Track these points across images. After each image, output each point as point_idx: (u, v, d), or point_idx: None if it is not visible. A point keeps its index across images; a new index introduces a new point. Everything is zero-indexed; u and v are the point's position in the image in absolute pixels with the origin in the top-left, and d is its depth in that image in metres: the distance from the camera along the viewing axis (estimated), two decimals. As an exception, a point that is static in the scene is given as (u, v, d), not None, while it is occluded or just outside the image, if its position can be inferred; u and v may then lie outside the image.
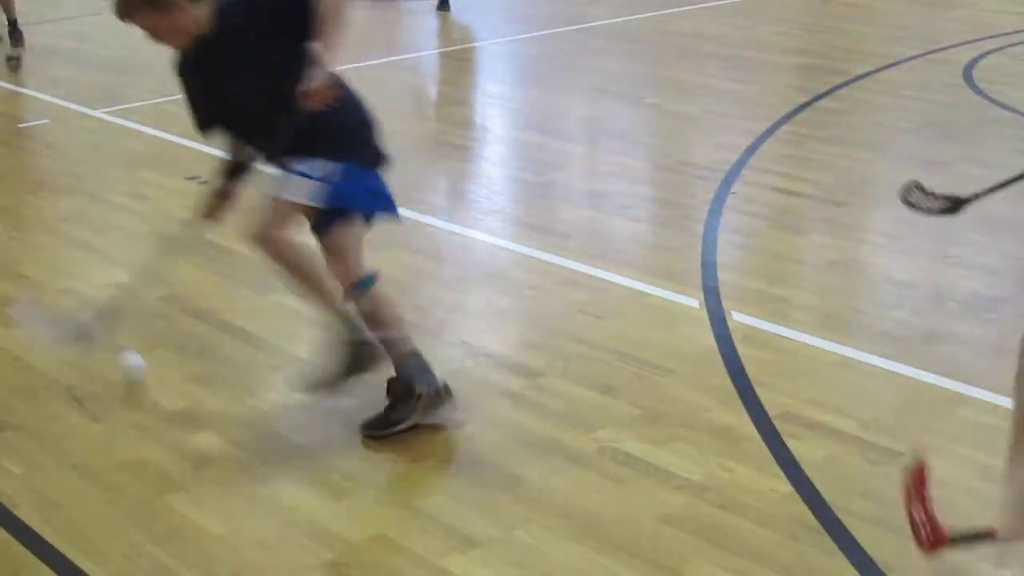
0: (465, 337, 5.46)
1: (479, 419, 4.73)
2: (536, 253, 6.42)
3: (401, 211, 6.78)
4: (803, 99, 9.30)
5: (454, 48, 11.58)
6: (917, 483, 3.69)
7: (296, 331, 5.44)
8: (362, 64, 10.55)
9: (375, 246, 6.41)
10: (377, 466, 4.45)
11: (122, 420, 4.79)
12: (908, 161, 7.87)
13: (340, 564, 3.84)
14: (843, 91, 9.53)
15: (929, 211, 5.30)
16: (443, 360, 5.13)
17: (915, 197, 5.54)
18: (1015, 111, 8.90)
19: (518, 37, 12.05)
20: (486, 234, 6.72)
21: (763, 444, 4.49)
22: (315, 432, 4.67)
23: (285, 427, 4.74)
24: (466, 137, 8.83)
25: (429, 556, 3.87)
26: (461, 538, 3.95)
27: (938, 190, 6.82)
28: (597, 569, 3.78)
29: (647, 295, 5.88)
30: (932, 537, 3.57)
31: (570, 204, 7.26)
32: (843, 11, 12.60)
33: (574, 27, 12.02)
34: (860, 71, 10.09)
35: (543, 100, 9.66)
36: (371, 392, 4.72)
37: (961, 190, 7.18)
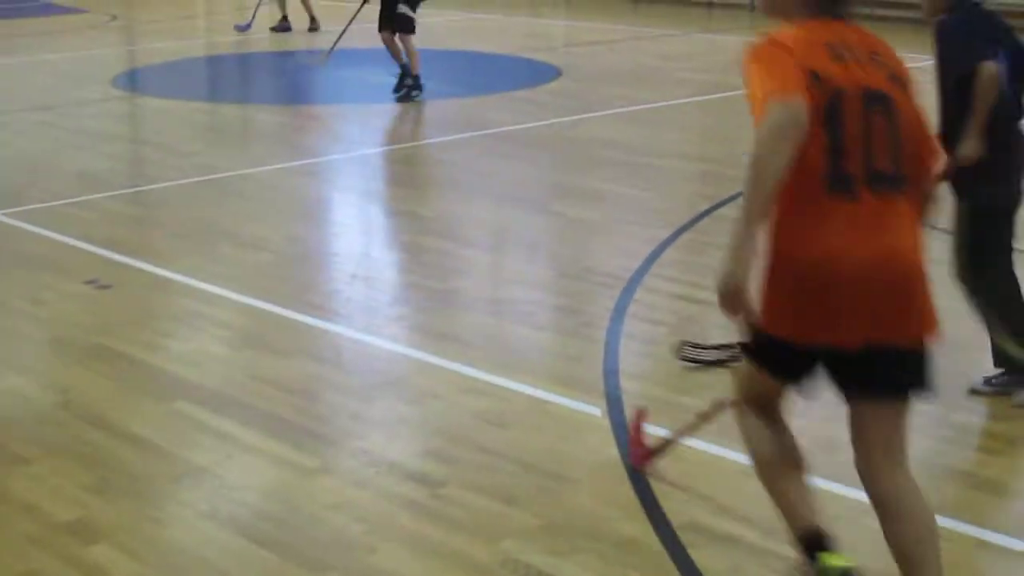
0: (367, 446, 5.40)
1: (381, 530, 4.68)
2: (438, 361, 6.39)
3: (303, 318, 6.79)
4: (704, 206, 9.38)
5: (356, 153, 11.56)
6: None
7: (196, 439, 5.37)
8: (262, 168, 10.53)
9: (277, 352, 6.40)
10: (276, 579, 4.37)
11: (14, 530, 4.68)
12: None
13: None
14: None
15: (708, 364, 5.55)
16: (345, 470, 5.07)
17: (689, 353, 5.75)
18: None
19: (423, 142, 12.11)
20: (388, 341, 6.69)
21: (666, 555, 4.47)
22: (214, 546, 4.59)
23: (187, 540, 4.65)
24: (368, 243, 8.81)
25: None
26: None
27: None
28: None
29: (549, 404, 5.87)
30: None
31: (473, 311, 7.25)
32: (744, 119, 12.71)
33: (479, 132, 12.07)
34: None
35: (446, 206, 9.68)
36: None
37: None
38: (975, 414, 5.81)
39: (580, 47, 18.80)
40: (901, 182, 3.71)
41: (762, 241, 3.63)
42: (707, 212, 9.22)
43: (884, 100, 3.71)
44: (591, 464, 5.21)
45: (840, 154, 3.64)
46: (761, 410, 4.07)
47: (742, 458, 5.22)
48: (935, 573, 3.77)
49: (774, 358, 3.88)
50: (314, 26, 19.00)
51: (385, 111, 13.61)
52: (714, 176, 10.47)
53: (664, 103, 13.69)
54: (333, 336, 6.77)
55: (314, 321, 6.86)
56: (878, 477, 3.86)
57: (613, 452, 5.30)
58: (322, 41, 17.55)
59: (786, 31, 3.82)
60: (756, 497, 4.91)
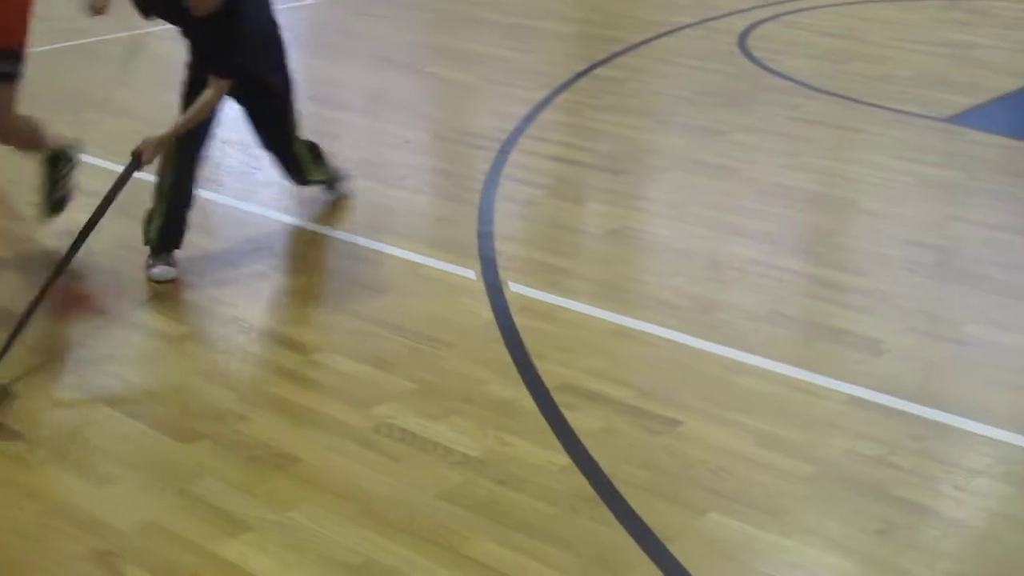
0: (237, 313, 5.32)
1: (252, 397, 4.62)
2: (310, 225, 6.31)
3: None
4: (581, 67, 9.31)
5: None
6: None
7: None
8: (133, 32, 10.24)
9: (137, 218, 6.25)
10: (144, 449, 4.30)
11: None
12: (684, 129, 7.94)
13: (108, 553, 3.69)
14: (621, 59, 9.58)
15: None
16: (216, 337, 5.00)
17: None
18: (787, 78, 9.04)
19: (297, 4, 11.84)
20: (259, 206, 6.58)
21: (541, 417, 4.46)
22: (78, 415, 4.50)
23: (57, 415, 4.56)
24: (235, 105, 8.59)
25: (201, 541, 3.74)
26: (234, 522, 3.84)
27: (715, 159, 6.90)
28: (375, 549, 3.70)
29: (424, 267, 5.81)
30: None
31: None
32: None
33: (352, -6, 11.87)
34: (637, 39, 10.14)
35: (319, 69, 9.49)
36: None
37: (738, 158, 7.30)
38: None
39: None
40: None
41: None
42: (583, 73, 9.15)
43: None
44: (465, 327, 5.18)
45: None
46: None
47: (617, 318, 5.26)
48: None
49: None
50: None
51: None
52: (591, 37, 10.41)
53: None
54: (203, 203, 6.62)
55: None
56: None
57: (488, 314, 5.27)
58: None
59: None
60: (631, 358, 4.95)
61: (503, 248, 5.97)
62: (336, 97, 8.66)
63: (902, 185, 6.99)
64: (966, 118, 8.23)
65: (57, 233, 5.89)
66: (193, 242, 6.02)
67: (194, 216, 5.97)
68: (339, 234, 6.16)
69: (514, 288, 5.52)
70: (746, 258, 5.94)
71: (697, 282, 5.69)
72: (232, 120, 7.82)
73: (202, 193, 6.63)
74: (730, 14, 11.12)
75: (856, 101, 8.56)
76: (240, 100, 5.98)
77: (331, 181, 6.56)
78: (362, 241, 6.07)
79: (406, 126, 8.04)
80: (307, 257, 5.96)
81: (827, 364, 4.91)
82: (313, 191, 6.56)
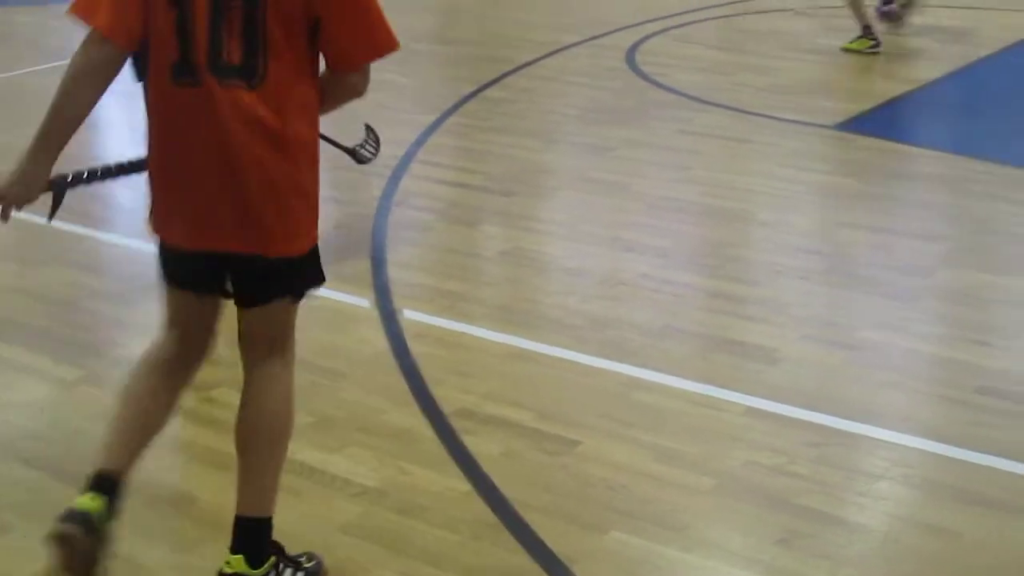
0: (130, 353, 5.22)
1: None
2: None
3: (58, 224, 6.52)
4: (469, 89, 9.31)
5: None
6: None
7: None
8: (10, 73, 10.13)
9: (32, 263, 6.16)
10: (40, 497, 4.21)
11: None
12: (575, 148, 7.96)
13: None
14: (509, 80, 9.59)
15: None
16: (111, 379, 4.92)
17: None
18: (676, 92, 9.09)
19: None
20: (149, 244, 6.47)
21: (440, 443, 4.43)
22: (-30, 465, 4.41)
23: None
24: (128, 145, 8.48)
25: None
26: (135, 565, 3.77)
27: (606, 176, 6.92)
28: (274, 587, 3.64)
29: (317, 297, 5.73)
30: None
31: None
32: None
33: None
34: (525, 59, 10.16)
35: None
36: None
37: (629, 174, 7.32)
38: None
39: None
40: (254, 75, 3.26)
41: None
42: (472, 95, 9.15)
43: None
44: (361, 357, 5.14)
45: (185, 39, 3.23)
46: (162, 331, 3.71)
47: (513, 340, 5.24)
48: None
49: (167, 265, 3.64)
50: None
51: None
52: (479, 59, 10.41)
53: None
54: (91, 242, 6.54)
55: (70, 227, 6.62)
56: (251, 379, 3.64)
57: (383, 343, 5.23)
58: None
59: None
60: (527, 380, 4.93)
61: (397, 275, 5.93)
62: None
63: (792, 194, 7.05)
64: (853, 124, 8.32)
65: None
66: (84, 283, 5.94)
67: (85, 257, 5.89)
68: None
69: (409, 315, 5.49)
70: (639, 273, 5.96)
71: (592, 300, 5.69)
72: (117, 158, 7.70)
73: (88, 232, 6.56)
74: (617, 30, 11.17)
75: (745, 112, 8.63)
76: None
77: None
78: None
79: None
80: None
81: (724, 376, 4.93)
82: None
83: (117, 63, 3.28)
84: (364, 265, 6.07)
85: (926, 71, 9.76)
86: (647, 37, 10.87)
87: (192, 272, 3.55)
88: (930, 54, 10.47)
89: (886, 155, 7.77)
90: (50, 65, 10.38)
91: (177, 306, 3.62)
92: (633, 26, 11.31)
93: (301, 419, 4.58)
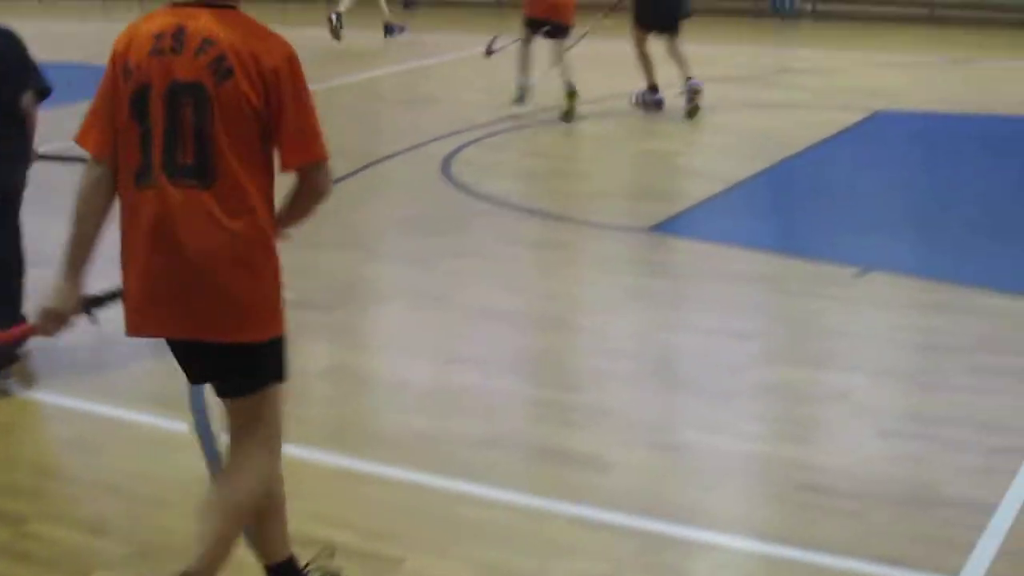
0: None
1: (-42, 579, 4.39)
2: (17, 392, 6.06)
3: None
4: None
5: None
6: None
7: None
8: None
9: None
10: None
11: None
12: (394, 260, 7.96)
13: None
14: (338, 185, 9.55)
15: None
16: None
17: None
18: (493, 201, 9.14)
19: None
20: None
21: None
22: None
23: None
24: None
25: None
26: None
27: (426, 287, 6.92)
28: None
29: (138, 424, 5.64)
30: None
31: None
32: (323, 111, 12.56)
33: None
34: (344, 171, 10.12)
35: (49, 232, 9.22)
36: None
37: (450, 285, 7.32)
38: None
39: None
40: (204, 175, 3.63)
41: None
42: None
43: (195, 90, 3.61)
44: (182, 482, 5.01)
45: (146, 143, 3.64)
46: None
47: (338, 459, 5.18)
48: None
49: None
50: None
51: None
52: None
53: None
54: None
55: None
56: (236, 458, 4.02)
57: (203, 467, 5.13)
58: None
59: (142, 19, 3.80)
60: (353, 498, 4.88)
61: (215, 398, 5.82)
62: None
63: (611, 298, 7.12)
64: (667, 226, 8.44)
65: None
66: None
67: None
68: (45, 395, 5.94)
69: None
70: (463, 385, 5.95)
71: (416, 414, 5.67)
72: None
73: None
74: (432, 140, 11.21)
75: (561, 218, 8.72)
76: None
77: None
78: (70, 403, 5.87)
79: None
80: (10, 422, 5.72)
81: (551, 486, 4.93)
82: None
83: (112, 179, 3.70)
84: (182, 388, 5.95)
85: (736, 170, 9.95)
86: (462, 147, 10.93)
87: (178, 359, 3.94)
88: (738, 152, 10.69)
89: (700, 256, 7.90)
90: None
91: None
92: (447, 136, 11.37)
93: (119, 550, 4.51)
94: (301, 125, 3.77)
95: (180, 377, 5.97)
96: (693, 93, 11.67)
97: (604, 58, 15.77)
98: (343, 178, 9.95)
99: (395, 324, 6.84)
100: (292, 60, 3.69)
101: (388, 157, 10.69)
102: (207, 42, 3.61)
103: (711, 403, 5.71)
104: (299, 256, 7.98)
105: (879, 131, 11.73)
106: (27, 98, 5.99)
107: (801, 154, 10.60)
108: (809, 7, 20.91)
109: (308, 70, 3.72)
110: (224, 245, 3.63)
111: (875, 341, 6.54)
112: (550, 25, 11.73)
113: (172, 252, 3.63)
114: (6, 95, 5.95)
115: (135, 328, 3.80)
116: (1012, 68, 15.04)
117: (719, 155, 10.64)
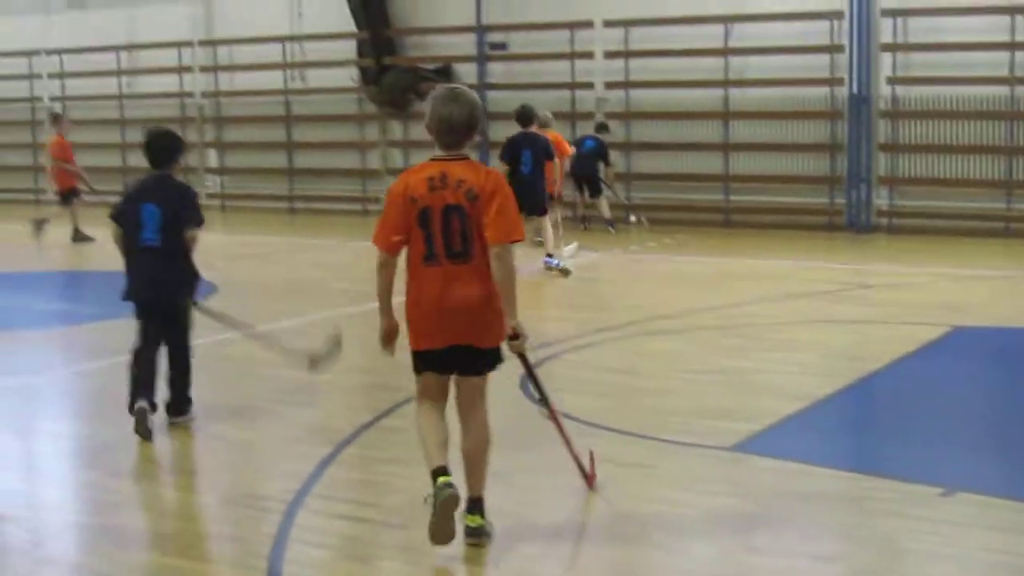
0: None
1: None
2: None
3: None
4: (366, 418, 9.29)
5: (2, 385, 11.04)
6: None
7: None
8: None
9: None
10: None
11: None
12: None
13: None
14: (404, 408, 9.56)
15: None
16: None
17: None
18: (570, 418, 9.10)
19: (73, 369, 11.64)
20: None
21: None
22: None
23: None
24: (20, 479, 8.30)
25: None
26: None
27: (500, 504, 6.88)
28: None
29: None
30: None
31: (131, 547, 6.87)
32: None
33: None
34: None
35: (102, 435, 9.29)
36: None
37: (524, 503, 7.27)
38: None
39: (238, 260, 18.68)
40: (468, 256, 6.57)
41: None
42: (369, 424, 9.12)
43: (459, 209, 6.53)
44: None
45: (431, 240, 6.58)
46: (425, 399, 6.88)
47: None
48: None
49: (423, 362, 6.82)
50: None
51: (28, 339, 13.16)
52: (374, 387, 10.40)
53: (322, 314, 13.63)
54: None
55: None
56: (464, 419, 6.87)
57: None
58: None
59: (408, 172, 6.78)
60: None
61: (294, 616, 5.78)
62: (117, 464, 8.45)
63: (692, 518, 7.03)
64: (750, 445, 8.38)
65: None
66: None
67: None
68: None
69: (306, 661, 5.33)
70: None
71: None
72: (6, 492, 7.58)
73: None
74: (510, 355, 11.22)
75: (640, 436, 8.66)
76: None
77: None
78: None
79: (190, 491, 7.87)
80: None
81: None
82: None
83: (393, 261, 6.69)
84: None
85: (815, 388, 9.90)
86: (540, 362, 10.94)
87: (437, 361, 6.75)
88: (817, 369, 10.64)
89: (783, 475, 7.80)
90: None
91: (428, 386, 6.85)
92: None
93: None
94: (505, 218, 6.56)
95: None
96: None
97: (680, 274, 15.89)
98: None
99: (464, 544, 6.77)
100: (501, 182, 6.62)
101: (466, 371, 10.69)
102: (461, 182, 6.53)
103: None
104: (376, 473, 8.04)
105: (960, 346, 11.66)
106: (192, 232, 8.96)
107: (881, 371, 10.53)
108: (885, 221, 20.99)
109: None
110: (481, 295, 6.59)
111: (963, 564, 6.40)
112: None
113: (452, 299, 6.57)
114: (180, 231, 8.88)
115: (425, 344, 6.73)
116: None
117: (797, 372, 10.58)
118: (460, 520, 6.60)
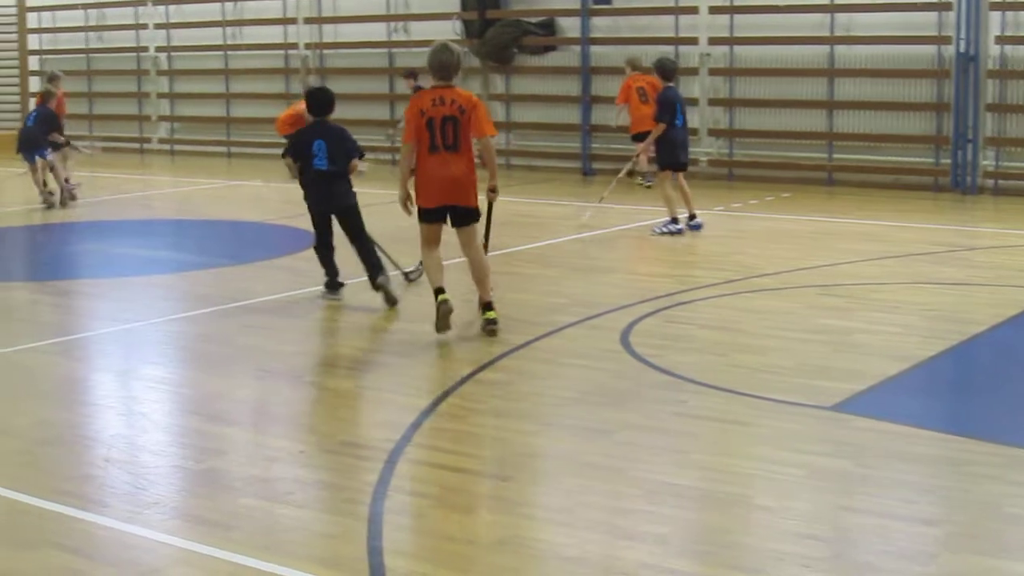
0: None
1: None
2: (198, 547, 6.15)
3: (50, 506, 6.49)
4: (466, 371, 9.34)
5: (110, 330, 11.22)
6: None
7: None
8: (9, 349, 10.19)
9: (19, 545, 6.07)
10: None
11: None
12: (570, 431, 7.94)
13: None
14: (504, 361, 9.62)
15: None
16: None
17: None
18: (670, 373, 9.11)
19: (180, 316, 11.79)
20: (145, 529, 6.42)
21: None
22: None
23: None
24: (123, 424, 8.46)
25: None
26: None
27: (602, 460, 6.88)
28: None
29: (312, 586, 5.67)
30: None
31: (232, 492, 6.99)
32: (500, 279, 12.59)
33: (238, 304, 11.87)
34: (520, 341, 10.21)
35: (205, 382, 9.43)
36: None
37: (625, 458, 7.28)
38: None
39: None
40: (457, 147, 10.35)
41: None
42: (468, 377, 9.17)
43: (452, 118, 10.34)
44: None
45: (433, 137, 10.31)
46: (427, 242, 10.59)
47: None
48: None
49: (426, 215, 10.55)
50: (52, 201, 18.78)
51: (142, 285, 13.35)
52: (474, 340, 10.42)
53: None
54: (85, 525, 6.46)
55: (63, 509, 6.56)
56: (467, 253, 10.65)
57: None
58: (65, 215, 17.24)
59: (421, 92, 10.77)
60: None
61: (393, 564, 5.85)
62: (221, 411, 8.58)
63: (791, 477, 7.01)
64: (850, 405, 8.32)
65: None
66: (75, 568, 5.85)
67: (74, 540, 5.79)
68: (227, 555, 6.01)
69: (406, 606, 5.40)
70: (639, 562, 5.88)
71: None
72: (111, 437, 7.73)
73: (81, 515, 6.50)
74: (611, 311, 11.26)
75: (740, 394, 8.64)
76: None
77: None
78: (251, 562, 5.93)
79: (291, 439, 7.97)
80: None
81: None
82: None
83: (411, 148, 10.48)
84: (360, 553, 5.99)
85: (920, 349, 9.81)
86: (641, 318, 10.94)
87: (435, 215, 10.51)
88: (918, 330, 10.54)
89: (883, 436, 7.75)
90: (48, 342, 10.46)
91: (429, 232, 10.54)
92: (627, 307, 11.40)
93: None
94: (481, 121, 10.48)
95: (355, 540, 6.09)
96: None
97: (783, 233, 15.77)
98: (522, 346, 10.02)
99: (570, 496, 6.80)
100: (477, 102, 10.44)
101: (567, 326, 10.74)
102: (454, 100, 10.37)
103: (893, 591, 5.56)
104: (475, 425, 8.09)
105: (1066, 311, 11.49)
106: (356, 160, 12.02)
107: (984, 334, 10.41)
108: (991, 183, 20.68)
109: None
110: (467, 172, 10.42)
111: (1066, 531, 6.34)
112: None
113: (448, 175, 10.36)
114: (339, 159, 11.91)
115: (427, 203, 10.47)
116: None
117: (900, 333, 10.47)
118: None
